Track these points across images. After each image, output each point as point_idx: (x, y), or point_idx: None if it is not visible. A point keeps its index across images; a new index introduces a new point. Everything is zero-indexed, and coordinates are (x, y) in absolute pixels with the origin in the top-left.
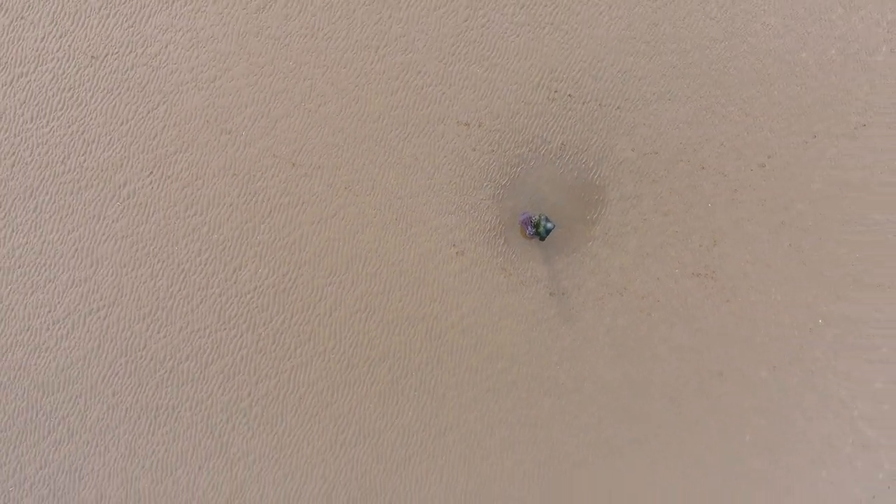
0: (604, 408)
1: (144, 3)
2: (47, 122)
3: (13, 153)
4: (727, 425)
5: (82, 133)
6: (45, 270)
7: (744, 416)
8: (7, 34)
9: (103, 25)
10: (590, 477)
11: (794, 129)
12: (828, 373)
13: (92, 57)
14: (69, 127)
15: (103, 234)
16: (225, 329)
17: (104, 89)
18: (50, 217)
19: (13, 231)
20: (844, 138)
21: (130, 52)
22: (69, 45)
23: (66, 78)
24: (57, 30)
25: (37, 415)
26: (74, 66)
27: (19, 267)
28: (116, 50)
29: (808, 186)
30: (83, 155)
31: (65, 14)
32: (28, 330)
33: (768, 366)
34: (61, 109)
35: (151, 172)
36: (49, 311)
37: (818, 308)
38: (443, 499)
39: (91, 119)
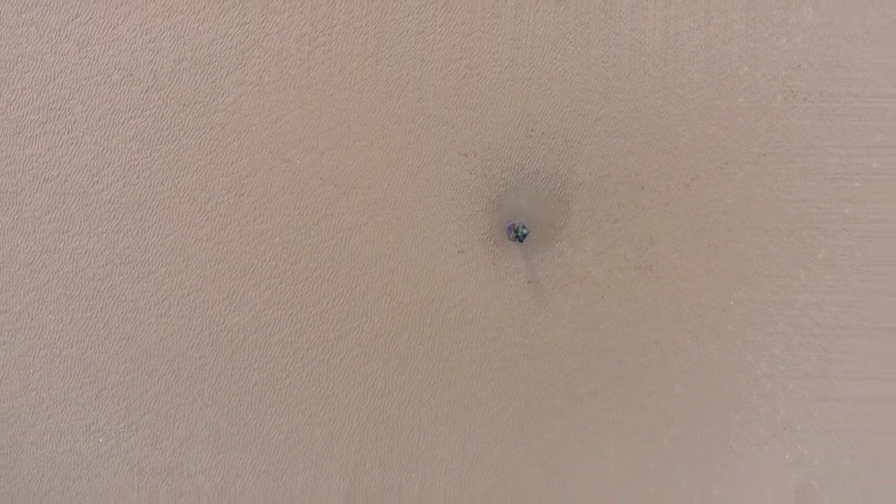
0: (568, 367)
1: (223, 64)
2: (150, 153)
3: (124, 177)
4: (661, 380)
5: (177, 161)
6: (148, 265)
7: (674, 373)
8: (119, 87)
9: (193, 80)
10: (557, 420)
11: (711, 158)
12: (738, 341)
13: (184, 104)
14: (166, 157)
15: (192, 238)
16: (284, 309)
17: (193, 128)
18: (152, 225)
19: (124, 235)
20: (749, 165)
21: (213, 100)
22: (167, 96)
23: (164, 120)
24: (157, 83)
25: (141, 374)
26: (171, 111)
27: (128, 262)
28: (203, 99)
29: (723, 201)
30: (177, 178)
31: (163, 72)
32: (135, 310)
33: (692, 335)
34: (161, 144)
35: (229, 191)
36: (151, 296)
37: (730, 292)
38: (448, 435)
39: (183, 151)
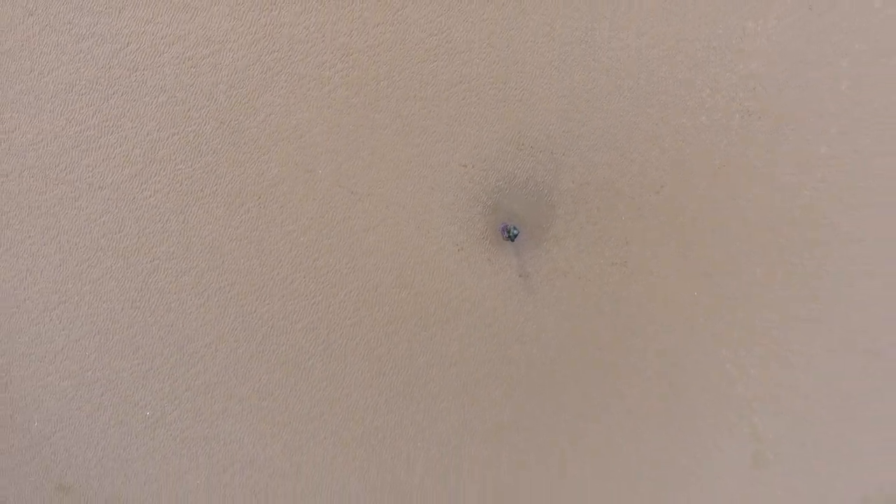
0: (554, 352)
1: (255, 87)
2: (191, 164)
3: (168, 185)
4: (636, 365)
5: (214, 171)
6: (189, 261)
7: (648, 358)
8: (164, 107)
9: (229, 101)
10: (545, 399)
11: (678, 169)
12: (699, 328)
13: (221, 122)
14: (205, 168)
15: (228, 238)
16: (307, 299)
17: (228, 143)
18: (194, 226)
19: (168, 236)
20: (710, 176)
21: (246, 119)
22: (206, 114)
23: (203, 136)
24: (197, 104)
25: (183, 356)
26: (209, 128)
27: (174, 258)
28: (237, 117)
29: (688, 206)
30: (215, 186)
31: (203, 94)
32: (178, 300)
33: (662, 324)
34: (200, 156)
35: (260, 197)
36: (192, 288)
37: (694, 285)
38: (450, 409)
39: (220, 163)
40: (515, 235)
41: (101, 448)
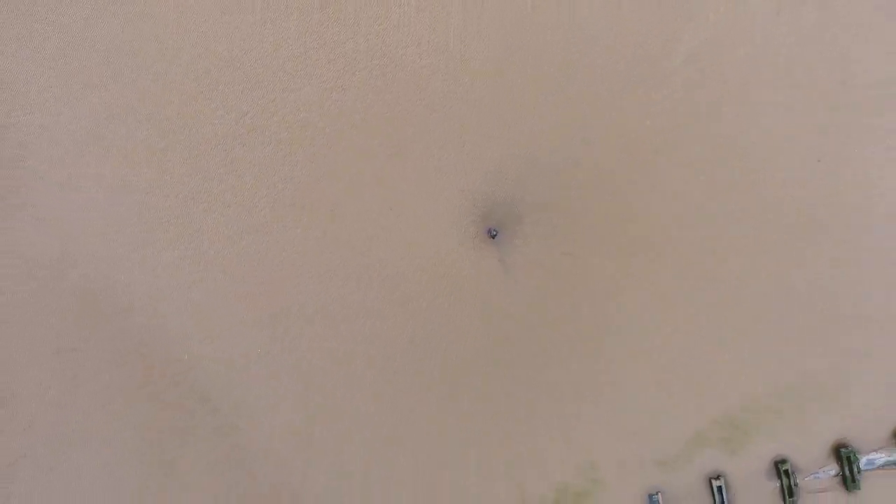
0: (527, 318)
1: (337, 148)
2: (292, 192)
3: (272, 204)
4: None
5: (305, 196)
6: (288, 251)
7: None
8: (275, 156)
9: (318, 156)
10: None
11: (604, 194)
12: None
13: (313, 165)
14: (298, 194)
15: (313, 238)
16: (360, 280)
17: (316, 178)
18: (289, 227)
19: (269, 236)
20: (637, 194)
21: (326, 164)
22: (304, 158)
23: (299, 176)
24: (298, 153)
25: (283, 315)
26: (303, 170)
27: (275, 249)
28: (325, 162)
29: (610, 216)
30: (304, 203)
31: (301, 149)
32: (281, 277)
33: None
34: (298, 186)
35: (333, 214)
36: (290, 266)
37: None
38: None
39: (310, 191)
40: (495, 235)
41: (228, 372)
